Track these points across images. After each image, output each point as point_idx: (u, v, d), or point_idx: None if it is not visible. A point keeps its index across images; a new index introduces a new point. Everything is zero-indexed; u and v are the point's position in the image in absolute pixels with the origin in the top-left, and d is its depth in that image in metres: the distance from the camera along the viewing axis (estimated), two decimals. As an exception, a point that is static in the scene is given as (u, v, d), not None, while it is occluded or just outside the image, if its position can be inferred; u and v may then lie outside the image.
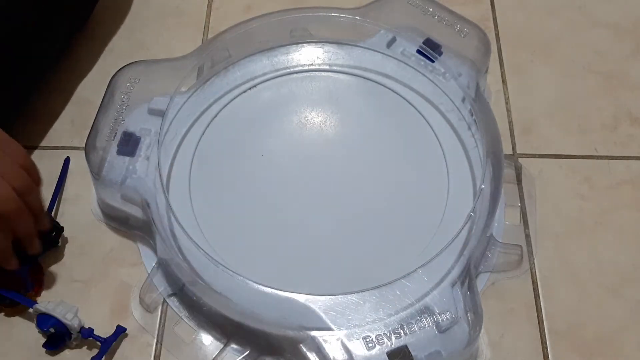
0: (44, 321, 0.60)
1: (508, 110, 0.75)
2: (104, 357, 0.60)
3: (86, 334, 0.60)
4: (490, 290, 0.64)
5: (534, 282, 0.65)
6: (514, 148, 0.72)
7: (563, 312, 0.63)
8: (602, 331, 0.62)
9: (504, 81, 0.77)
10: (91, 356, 0.60)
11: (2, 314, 0.63)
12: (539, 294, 0.64)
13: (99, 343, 0.60)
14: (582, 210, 0.69)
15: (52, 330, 0.60)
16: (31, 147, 0.72)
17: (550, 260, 0.66)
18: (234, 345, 0.61)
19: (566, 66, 0.79)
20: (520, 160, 0.71)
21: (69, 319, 0.59)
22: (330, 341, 0.56)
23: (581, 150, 0.73)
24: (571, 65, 0.79)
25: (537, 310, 0.63)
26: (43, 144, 0.73)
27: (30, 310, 0.61)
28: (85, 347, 0.61)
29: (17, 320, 0.63)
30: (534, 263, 0.66)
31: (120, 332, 0.61)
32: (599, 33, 0.81)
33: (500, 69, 0.78)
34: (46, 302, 0.60)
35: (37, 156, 0.72)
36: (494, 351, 0.61)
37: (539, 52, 0.80)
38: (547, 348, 0.61)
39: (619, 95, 0.76)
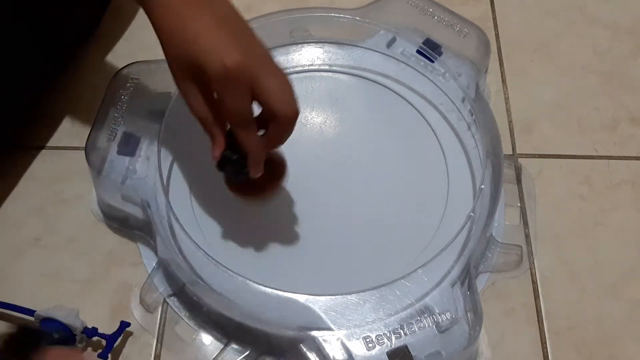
0: (48, 326, 0.59)
1: (508, 110, 0.75)
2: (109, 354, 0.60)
3: (90, 334, 0.60)
4: (490, 291, 0.64)
5: (534, 282, 0.65)
6: (513, 148, 0.72)
7: (563, 312, 0.63)
8: (602, 331, 0.62)
9: (503, 81, 0.77)
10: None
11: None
12: (538, 294, 0.64)
13: (103, 341, 0.60)
14: (582, 210, 0.69)
15: (56, 335, 0.59)
16: (32, 148, 0.72)
17: (550, 260, 0.66)
18: (234, 346, 0.61)
19: (566, 66, 0.79)
20: (520, 160, 0.71)
21: (72, 321, 0.59)
22: (330, 341, 0.56)
23: (581, 150, 0.73)
24: (571, 65, 0.79)
25: (537, 310, 0.63)
26: (43, 144, 0.73)
27: (32, 318, 0.60)
28: (90, 348, 0.61)
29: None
30: (533, 263, 0.66)
31: (124, 327, 0.61)
32: (599, 33, 0.81)
33: (500, 69, 0.78)
34: (45, 308, 0.60)
35: (37, 156, 0.72)
36: (494, 351, 0.61)
37: (539, 52, 0.80)
38: (547, 348, 0.61)
39: (618, 95, 0.76)
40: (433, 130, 0.70)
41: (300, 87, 0.72)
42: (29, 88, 0.71)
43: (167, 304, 0.63)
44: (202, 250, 0.60)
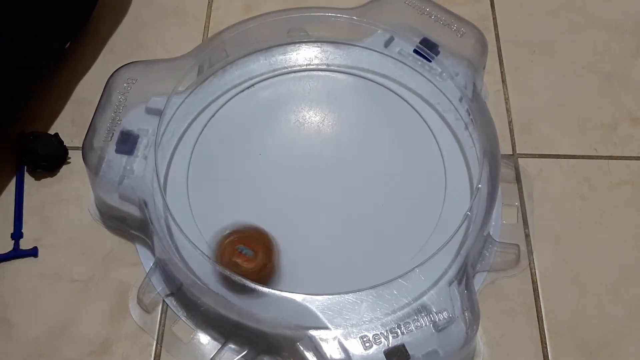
0: None
1: (508, 110, 0.75)
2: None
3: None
4: (489, 290, 0.64)
5: (534, 282, 0.64)
6: (513, 148, 0.72)
7: (563, 312, 0.63)
8: (602, 331, 0.62)
9: (503, 81, 0.77)
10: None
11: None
12: (538, 294, 0.64)
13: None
14: (582, 210, 0.69)
15: None
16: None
17: (550, 260, 0.66)
18: (231, 345, 0.61)
19: (566, 66, 0.78)
20: (520, 160, 0.71)
21: None
22: (327, 340, 0.56)
23: (581, 150, 0.72)
24: (571, 65, 0.79)
25: (536, 310, 0.63)
26: (43, 144, 0.73)
27: None
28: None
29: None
30: (533, 263, 0.65)
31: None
32: (599, 33, 0.81)
33: (500, 69, 0.78)
34: None
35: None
36: (493, 351, 0.61)
37: (539, 52, 0.80)
38: (547, 348, 0.61)
39: (619, 95, 0.76)
40: (430, 130, 0.70)
41: (298, 87, 0.74)
42: (22, 85, 0.71)
43: (165, 303, 0.63)
44: (200, 250, 0.60)
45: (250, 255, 0.58)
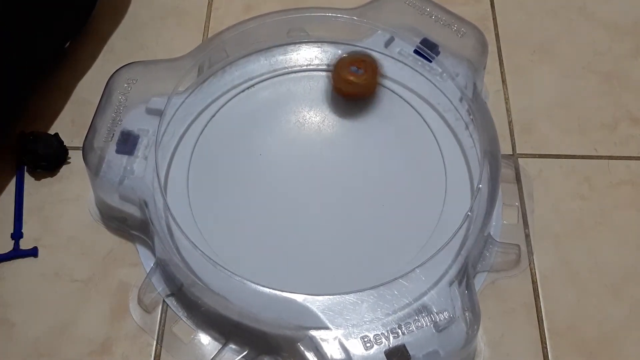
0: None
1: (508, 110, 0.75)
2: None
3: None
4: (490, 291, 0.64)
5: (534, 282, 0.64)
6: (513, 148, 0.72)
7: (563, 312, 0.63)
8: (602, 331, 0.62)
9: (503, 81, 0.77)
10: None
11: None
12: (539, 294, 0.64)
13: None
14: (582, 210, 0.69)
15: None
16: (31, 148, 0.72)
17: (550, 260, 0.66)
18: (232, 345, 0.61)
19: (566, 66, 0.78)
20: (520, 160, 0.71)
21: None
22: (328, 340, 0.56)
23: (581, 150, 0.72)
24: (571, 65, 0.79)
25: (537, 310, 0.63)
26: (43, 144, 0.73)
27: None
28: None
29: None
30: (533, 263, 0.65)
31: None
32: (599, 33, 0.81)
33: (500, 69, 0.78)
34: None
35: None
36: (493, 351, 0.61)
37: (539, 52, 0.80)
38: (547, 348, 0.61)
39: (619, 95, 0.76)
40: (430, 130, 0.70)
41: (298, 87, 0.74)
42: (22, 85, 0.71)
43: (166, 304, 0.63)
44: (200, 250, 0.60)
45: (360, 73, 0.69)
